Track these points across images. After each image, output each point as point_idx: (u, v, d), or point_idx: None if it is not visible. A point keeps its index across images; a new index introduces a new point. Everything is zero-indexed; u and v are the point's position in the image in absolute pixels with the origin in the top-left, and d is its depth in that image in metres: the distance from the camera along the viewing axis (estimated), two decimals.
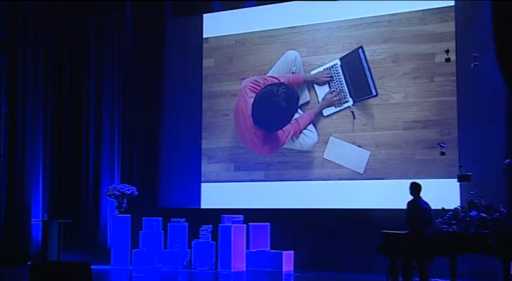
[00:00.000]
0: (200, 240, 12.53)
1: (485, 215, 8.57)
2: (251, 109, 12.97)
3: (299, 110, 12.67)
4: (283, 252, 12.09)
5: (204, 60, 13.68)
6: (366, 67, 12.14)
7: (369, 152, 11.98)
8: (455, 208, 9.03)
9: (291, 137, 12.67)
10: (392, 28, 12.02)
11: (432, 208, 8.88)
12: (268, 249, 12.45)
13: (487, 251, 8.40)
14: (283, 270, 11.97)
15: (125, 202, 13.00)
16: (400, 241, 8.87)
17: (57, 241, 12.33)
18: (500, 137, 10.85)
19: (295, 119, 12.65)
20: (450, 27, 11.50)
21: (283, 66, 12.90)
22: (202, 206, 13.40)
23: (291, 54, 12.83)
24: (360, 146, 12.07)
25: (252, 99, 12.97)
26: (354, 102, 12.22)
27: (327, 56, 12.53)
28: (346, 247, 12.01)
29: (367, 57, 12.16)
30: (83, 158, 14.30)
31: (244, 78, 13.20)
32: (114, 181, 13.86)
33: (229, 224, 12.23)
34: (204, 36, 13.75)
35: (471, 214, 8.66)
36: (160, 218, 13.11)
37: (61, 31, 14.62)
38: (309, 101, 12.64)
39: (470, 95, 11.30)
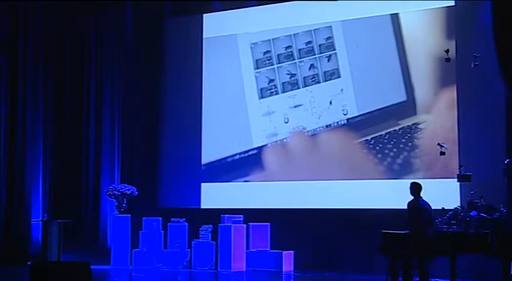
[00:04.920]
0: (200, 240, 12.53)
1: (485, 215, 8.56)
2: None
3: None
4: (283, 252, 12.08)
5: (204, 60, 13.68)
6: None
7: (369, 152, 12.00)
8: (455, 208, 9.03)
9: None
10: (392, 28, 12.02)
11: (432, 208, 8.88)
12: (268, 249, 12.44)
13: (487, 251, 8.39)
14: (283, 270, 11.97)
15: (124, 202, 13.00)
16: (400, 241, 8.87)
17: (57, 241, 12.34)
18: (500, 137, 10.85)
19: None
20: (450, 27, 11.50)
21: None
22: (202, 206, 13.39)
23: None
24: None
25: None
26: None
27: None
28: (346, 247, 12.01)
29: (367, 56, 12.18)
30: (83, 158, 14.29)
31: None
32: (114, 181, 13.85)
33: (229, 224, 12.23)
34: (204, 36, 13.75)
35: (471, 214, 8.65)
36: (160, 218, 13.11)
37: (61, 31, 14.61)
38: None
39: (470, 95, 11.30)
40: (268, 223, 12.56)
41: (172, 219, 12.99)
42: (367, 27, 12.26)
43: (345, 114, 12.32)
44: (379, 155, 11.92)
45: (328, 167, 12.34)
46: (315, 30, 12.72)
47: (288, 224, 12.48)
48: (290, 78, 12.88)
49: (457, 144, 11.23)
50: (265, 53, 13.12)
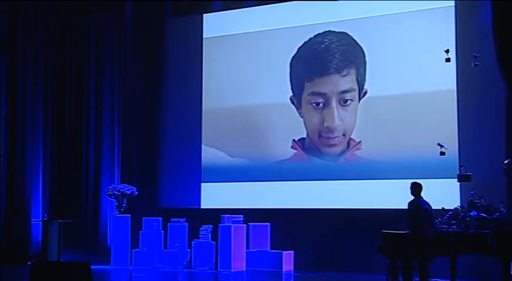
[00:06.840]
0: (200, 240, 12.53)
1: (485, 215, 8.57)
2: None
3: None
4: (283, 252, 12.09)
5: (204, 60, 13.68)
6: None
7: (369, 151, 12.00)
8: (455, 208, 9.03)
9: None
10: (392, 28, 12.02)
11: (432, 207, 8.87)
12: (268, 249, 12.45)
13: (487, 251, 8.39)
14: (283, 270, 11.98)
15: (125, 202, 13.00)
16: (400, 241, 8.87)
17: (57, 241, 12.34)
18: (500, 137, 10.85)
19: None
20: (450, 27, 11.51)
21: None
22: (202, 206, 13.39)
23: None
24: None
25: None
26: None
27: None
28: (346, 247, 12.01)
29: (367, 56, 12.18)
30: (83, 158, 14.30)
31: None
32: (114, 181, 13.85)
33: (229, 224, 12.23)
34: (204, 36, 13.75)
35: (471, 214, 8.66)
36: (160, 218, 13.11)
37: (61, 31, 14.61)
38: None
39: (470, 95, 11.30)
40: (268, 223, 12.56)
41: (172, 219, 12.99)
42: (366, 28, 12.26)
43: None
44: (379, 155, 11.91)
45: (328, 167, 12.35)
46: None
47: (288, 224, 12.49)
48: None
49: (457, 144, 11.23)
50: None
